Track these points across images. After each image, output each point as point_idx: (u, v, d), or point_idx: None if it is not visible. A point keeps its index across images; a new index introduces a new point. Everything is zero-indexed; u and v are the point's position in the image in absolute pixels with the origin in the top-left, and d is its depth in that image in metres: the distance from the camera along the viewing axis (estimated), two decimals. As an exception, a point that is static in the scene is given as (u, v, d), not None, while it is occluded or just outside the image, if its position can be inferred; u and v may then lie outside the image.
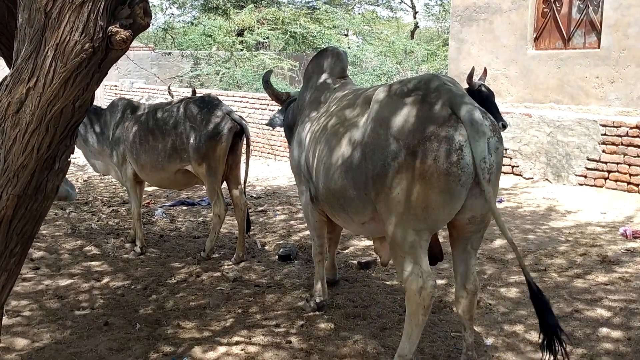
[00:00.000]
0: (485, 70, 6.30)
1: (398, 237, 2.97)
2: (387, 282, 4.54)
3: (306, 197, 3.86)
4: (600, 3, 8.41)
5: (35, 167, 2.21)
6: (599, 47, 8.42)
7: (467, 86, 6.10)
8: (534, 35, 9.19)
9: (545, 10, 9.10)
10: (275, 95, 4.46)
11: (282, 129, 4.48)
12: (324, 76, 4.00)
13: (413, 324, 3.01)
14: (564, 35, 8.91)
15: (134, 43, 18.09)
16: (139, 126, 5.17)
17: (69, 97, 2.03)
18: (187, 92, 13.82)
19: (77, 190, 8.84)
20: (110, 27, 1.95)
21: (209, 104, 4.99)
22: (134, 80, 17.14)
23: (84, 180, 9.63)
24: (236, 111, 13.04)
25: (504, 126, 6.02)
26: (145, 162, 5.13)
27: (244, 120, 5.08)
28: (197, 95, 6.93)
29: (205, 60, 18.55)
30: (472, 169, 2.81)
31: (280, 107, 4.48)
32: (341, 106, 3.51)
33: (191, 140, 4.90)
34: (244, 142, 5.08)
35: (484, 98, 5.97)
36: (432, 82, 3.03)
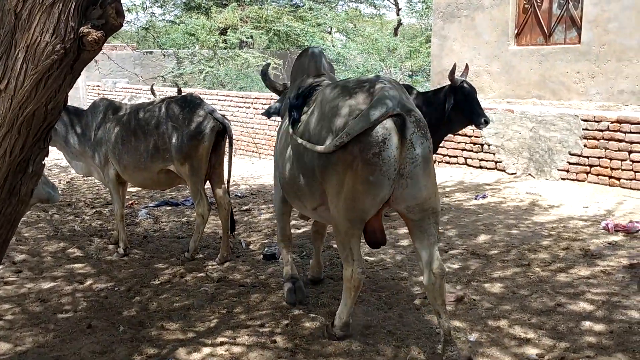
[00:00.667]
0: (467, 67, 6.33)
1: (336, 223, 3.30)
2: (371, 279, 4.55)
3: (276, 185, 4.17)
4: (581, -2, 8.48)
5: (8, 170, 2.17)
6: (579, 42, 8.48)
7: (449, 83, 6.14)
8: (516, 32, 9.24)
9: (526, 6, 9.15)
10: (273, 87, 4.57)
11: (269, 122, 4.67)
12: (303, 76, 4.14)
13: (347, 297, 3.45)
14: (544, 31, 8.97)
15: (116, 43, 17.97)
16: (120, 127, 5.13)
17: (41, 99, 2.00)
18: (171, 92, 13.76)
19: (59, 191, 8.78)
20: (82, 28, 1.92)
21: (191, 104, 4.96)
22: (117, 80, 17.02)
23: (67, 182, 9.55)
24: (220, 110, 13.02)
25: (487, 122, 6.06)
26: (127, 162, 5.09)
27: (227, 119, 5.06)
28: (181, 94, 6.92)
29: (188, 59, 18.46)
30: (395, 161, 3.06)
31: (279, 98, 4.57)
32: (315, 104, 3.66)
33: (173, 140, 4.87)
34: (227, 141, 5.05)
35: (466, 94, 6.01)
36: (375, 83, 3.28)
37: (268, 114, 4.46)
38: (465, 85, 6.04)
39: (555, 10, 8.86)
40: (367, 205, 3.17)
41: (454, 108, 6.04)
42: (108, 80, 16.87)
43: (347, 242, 3.29)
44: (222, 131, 4.94)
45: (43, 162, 2.28)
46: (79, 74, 2.13)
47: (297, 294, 4.15)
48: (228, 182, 5.16)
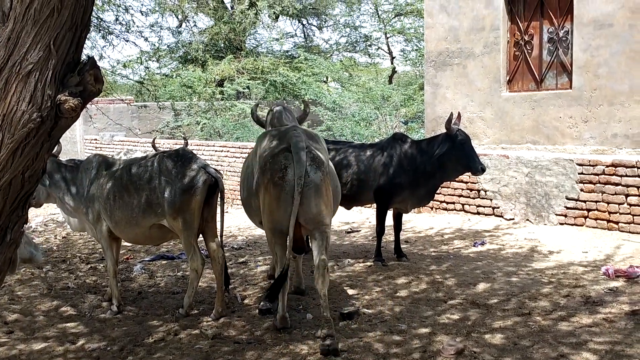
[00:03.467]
0: (459, 115, 6.38)
1: (265, 232, 4.52)
2: (368, 332, 4.45)
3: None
4: (570, 45, 8.61)
5: (-15, 239, 2.13)
6: (570, 87, 8.58)
7: (445, 131, 6.17)
8: (507, 78, 9.35)
9: (516, 53, 9.29)
10: (259, 122, 5.65)
11: None
12: (269, 126, 5.34)
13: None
14: (536, 77, 9.08)
15: (114, 96, 18.16)
16: (113, 182, 5.11)
17: (18, 168, 1.97)
18: (169, 144, 13.82)
19: (55, 247, 8.71)
20: (59, 96, 1.92)
21: (183, 158, 4.96)
22: (114, 133, 17.12)
23: (63, 237, 9.47)
24: (217, 161, 13.06)
25: (483, 169, 6.07)
26: (119, 218, 5.05)
27: (219, 172, 5.05)
28: (187, 144, 6.97)
29: (185, 111, 18.63)
30: (293, 184, 4.17)
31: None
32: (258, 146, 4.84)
33: (166, 194, 4.84)
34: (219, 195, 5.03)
35: (462, 142, 6.05)
36: (288, 131, 4.55)
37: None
38: (460, 133, 6.09)
39: (546, 57, 8.99)
40: (277, 216, 4.28)
41: (450, 156, 6.08)
42: (105, 133, 16.98)
43: (271, 247, 4.60)
44: (214, 185, 4.92)
45: (22, 230, 2.24)
46: (58, 141, 2.11)
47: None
48: (221, 235, 5.11)
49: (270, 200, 4.23)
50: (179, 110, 18.55)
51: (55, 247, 8.56)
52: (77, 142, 18.55)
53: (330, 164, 4.93)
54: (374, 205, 6.72)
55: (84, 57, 2.19)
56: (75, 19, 2.07)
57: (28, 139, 1.94)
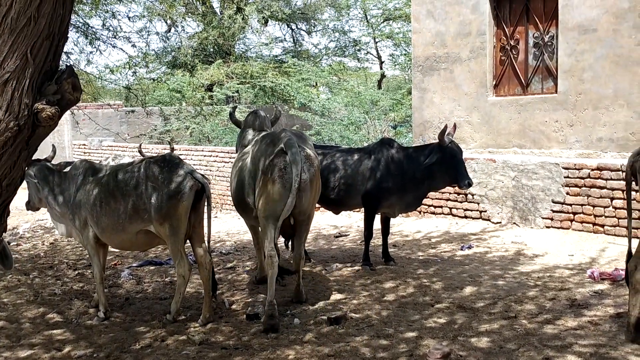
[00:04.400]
0: (455, 126, 6.38)
1: (260, 219, 5.09)
2: (355, 337, 4.46)
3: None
4: (555, 50, 8.69)
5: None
6: (556, 92, 8.65)
7: (438, 141, 6.13)
8: (494, 83, 9.42)
9: (502, 58, 9.36)
10: (236, 123, 6.43)
11: None
12: (248, 129, 6.14)
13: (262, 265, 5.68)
14: (522, 82, 9.15)
15: (101, 102, 18.08)
16: (99, 188, 5.09)
17: (-5, 176, 1.97)
18: (157, 149, 13.79)
19: (42, 253, 8.66)
20: (37, 104, 1.92)
21: (169, 163, 4.95)
22: (103, 138, 17.04)
23: (50, 243, 9.42)
24: (206, 165, 13.01)
25: (469, 184, 6.06)
26: (106, 224, 5.04)
27: (206, 178, 5.05)
28: (173, 150, 6.97)
29: (174, 116, 18.59)
30: (292, 181, 4.79)
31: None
32: (250, 149, 5.54)
33: (152, 200, 4.83)
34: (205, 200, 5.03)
35: (453, 155, 6.03)
36: (280, 134, 5.15)
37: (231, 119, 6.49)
38: (452, 146, 6.07)
39: (531, 62, 9.06)
40: (278, 207, 4.90)
41: (440, 166, 6.08)
42: (94, 138, 16.89)
43: (264, 233, 5.06)
44: (201, 190, 4.92)
45: (1, 238, 2.23)
46: (36, 149, 2.11)
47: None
48: (208, 241, 5.11)
49: (271, 194, 4.90)
50: (167, 115, 18.50)
51: (42, 254, 8.51)
52: (65, 148, 18.46)
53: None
54: (362, 209, 6.74)
55: (63, 65, 2.19)
56: (53, 28, 2.08)
57: (5, 147, 1.94)
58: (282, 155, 4.88)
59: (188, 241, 5.09)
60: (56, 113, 2.01)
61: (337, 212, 7.15)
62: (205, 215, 5.05)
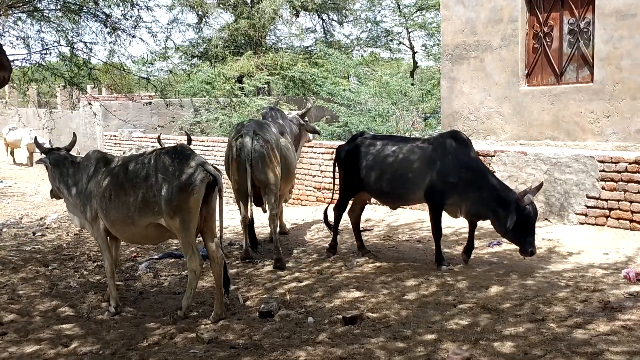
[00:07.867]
0: (540, 186, 5.75)
1: (233, 192, 6.93)
2: (372, 338, 4.23)
3: None
4: (591, 36, 8.27)
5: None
6: (592, 81, 8.23)
7: (516, 197, 5.50)
8: (526, 72, 9.02)
9: (535, 46, 8.96)
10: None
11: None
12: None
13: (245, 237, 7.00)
14: (556, 71, 8.74)
15: (133, 94, 18.15)
16: (109, 179, 4.96)
17: None
18: (184, 140, 13.71)
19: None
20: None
21: (181, 154, 4.79)
22: (133, 129, 17.11)
23: (75, 234, 9.39)
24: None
25: (532, 253, 5.53)
26: (115, 217, 4.90)
27: (218, 170, 4.87)
28: (191, 142, 6.87)
29: (205, 107, 18.56)
30: (245, 158, 6.25)
31: None
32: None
33: (162, 192, 4.68)
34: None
35: (528, 219, 5.50)
36: (243, 123, 6.65)
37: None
38: (530, 208, 5.49)
39: (566, 49, 8.65)
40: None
41: (509, 221, 5.52)
42: (124, 130, 16.98)
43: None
44: (213, 183, 4.74)
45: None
46: None
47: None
48: (220, 235, 4.93)
49: (235, 170, 6.41)
50: (197, 106, 18.47)
51: (65, 245, 8.48)
52: (97, 139, 18.61)
53: (281, 143, 6.68)
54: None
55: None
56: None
57: None
58: (239, 139, 6.33)
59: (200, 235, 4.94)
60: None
61: (394, 207, 6.92)
62: (218, 209, 4.87)
